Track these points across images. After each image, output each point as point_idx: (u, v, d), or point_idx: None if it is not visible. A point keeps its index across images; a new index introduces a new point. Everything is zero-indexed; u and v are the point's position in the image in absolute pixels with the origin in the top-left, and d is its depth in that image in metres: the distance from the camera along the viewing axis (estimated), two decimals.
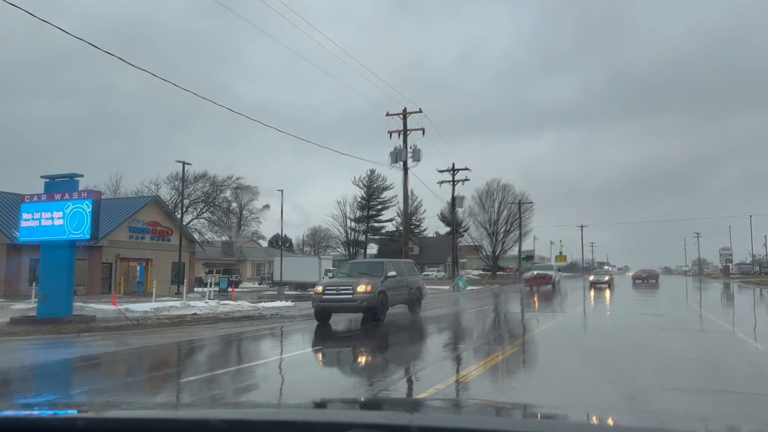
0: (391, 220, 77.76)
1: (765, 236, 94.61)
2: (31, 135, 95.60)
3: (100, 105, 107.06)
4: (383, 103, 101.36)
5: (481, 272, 73.97)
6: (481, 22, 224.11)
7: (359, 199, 76.20)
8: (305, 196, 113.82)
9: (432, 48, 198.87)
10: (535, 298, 30.72)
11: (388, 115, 33.84)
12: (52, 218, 16.98)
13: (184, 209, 56.58)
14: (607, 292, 37.43)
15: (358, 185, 75.89)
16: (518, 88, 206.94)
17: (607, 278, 47.76)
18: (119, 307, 19.39)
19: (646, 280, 57.96)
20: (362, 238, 76.63)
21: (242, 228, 75.07)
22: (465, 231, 72.38)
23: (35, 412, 2.02)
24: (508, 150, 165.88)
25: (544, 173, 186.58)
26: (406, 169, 33.40)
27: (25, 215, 17.57)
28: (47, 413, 2.01)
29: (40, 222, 17.22)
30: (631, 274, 64.29)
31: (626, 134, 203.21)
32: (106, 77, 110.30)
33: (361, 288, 15.62)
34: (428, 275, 71.95)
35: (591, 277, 50.02)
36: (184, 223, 45.30)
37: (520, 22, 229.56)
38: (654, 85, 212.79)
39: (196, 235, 54.30)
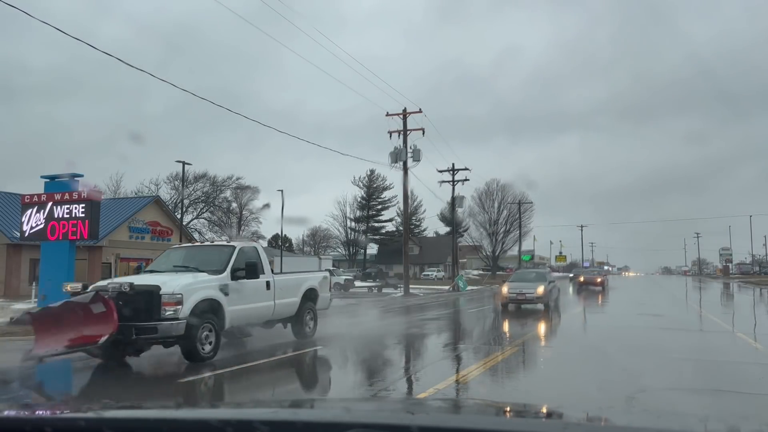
0: (391, 220, 77.83)
1: (765, 236, 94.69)
2: (31, 136, 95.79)
3: (106, 107, 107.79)
4: (401, 108, 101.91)
5: (481, 272, 73.94)
6: (512, 29, 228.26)
7: (359, 199, 76.26)
8: (306, 197, 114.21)
9: (467, 52, 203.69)
10: None
11: (388, 115, 33.82)
12: (52, 218, 16.98)
13: (184, 209, 56.60)
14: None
15: (358, 185, 75.96)
16: (543, 91, 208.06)
17: (541, 291, 21.01)
18: None
19: (598, 285, 40.03)
20: (362, 238, 76.62)
21: (242, 228, 75.06)
22: (465, 231, 72.46)
23: (35, 412, 2.02)
24: (523, 152, 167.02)
25: (550, 174, 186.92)
26: (406, 169, 33.40)
27: (25, 215, 17.57)
28: (47, 413, 2.01)
29: (40, 222, 17.22)
30: (581, 279, 43.95)
31: (639, 138, 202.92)
32: (111, 79, 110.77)
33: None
34: (428, 275, 71.91)
35: (504, 289, 21.95)
36: (184, 223, 45.28)
37: (550, 28, 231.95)
38: (673, 91, 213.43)
39: (196, 235, 54.27)
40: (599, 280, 40.97)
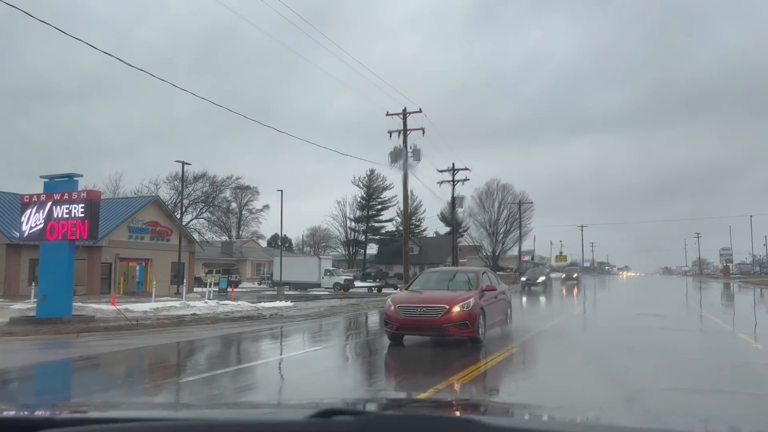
0: (391, 220, 77.72)
1: (765, 236, 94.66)
2: (31, 136, 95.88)
3: (111, 107, 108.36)
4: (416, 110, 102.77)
5: None
6: (531, 37, 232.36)
7: (359, 199, 76.19)
8: (306, 197, 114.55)
9: (494, 57, 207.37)
10: None
11: (388, 114, 33.76)
12: (51, 218, 16.96)
13: (184, 209, 56.58)
14: None
15: (358, 185, 75.87)
16: (553, 96, 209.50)
17: None
18: (119, 307, 19.38)
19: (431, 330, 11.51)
20: (362, 238, 76.60)
21: (242, 228, 75.13)
22: (465, 231, 72.44)
23: (35, 412, 2.02)
24: (529, 154, 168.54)
25: (553, 175, 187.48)
26: (405, 169, 33.38)
27: (24, 215, 17.55)
28: (47, 413, 2.00)
29: (39, 222, 17.21)
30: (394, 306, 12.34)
31: (644, 141, 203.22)
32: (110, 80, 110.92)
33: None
34: None
35: None
36: (183, 223, 45.28)
37: (564, 37, 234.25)
38: (677, 96, 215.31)
39: (195, 235, 54.27)
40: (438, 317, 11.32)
